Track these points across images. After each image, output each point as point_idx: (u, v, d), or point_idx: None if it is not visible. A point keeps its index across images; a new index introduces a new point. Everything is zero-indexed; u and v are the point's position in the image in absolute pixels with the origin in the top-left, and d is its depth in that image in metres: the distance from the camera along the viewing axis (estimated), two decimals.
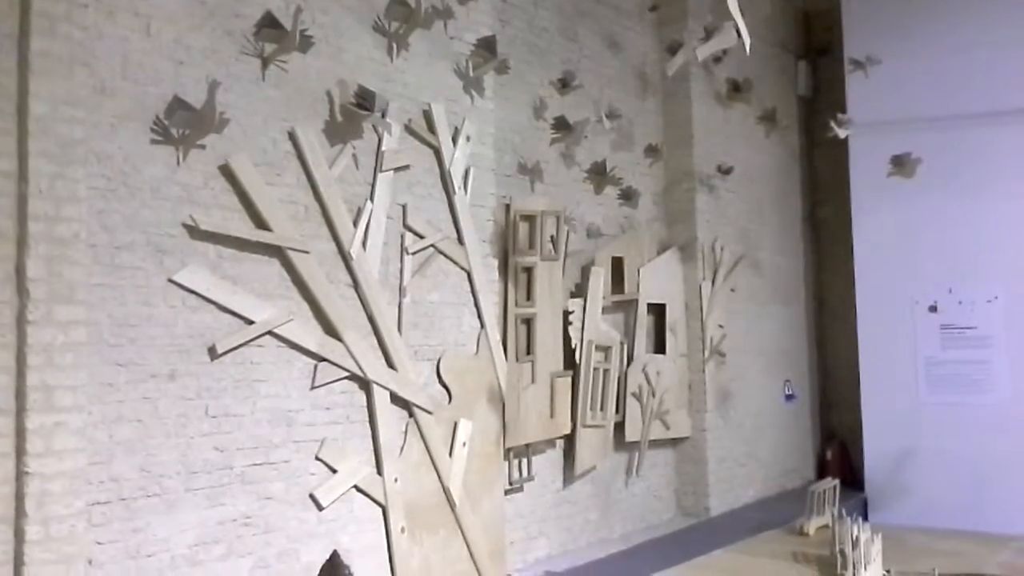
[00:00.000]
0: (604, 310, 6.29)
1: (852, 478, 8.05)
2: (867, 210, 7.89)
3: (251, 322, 3.96)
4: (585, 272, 6.22)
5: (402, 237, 4.67)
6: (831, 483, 6.30)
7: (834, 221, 8.53)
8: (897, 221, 7.74)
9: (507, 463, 5.36)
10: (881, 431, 7.67)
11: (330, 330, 4.25)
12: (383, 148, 4.56)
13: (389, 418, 4.47)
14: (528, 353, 5.54)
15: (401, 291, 4.61)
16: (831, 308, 8.78)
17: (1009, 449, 7.12)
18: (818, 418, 8.74)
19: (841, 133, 6.20)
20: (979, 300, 7.38)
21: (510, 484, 5.39)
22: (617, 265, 6.54)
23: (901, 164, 6.39)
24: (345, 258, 4.36)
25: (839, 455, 8.37)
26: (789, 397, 8.23)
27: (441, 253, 4.86)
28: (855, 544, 4.34)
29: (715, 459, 7.10)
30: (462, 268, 4.98)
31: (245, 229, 3.97)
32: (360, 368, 4.33)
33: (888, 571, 4.83)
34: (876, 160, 7.47)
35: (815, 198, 8.96)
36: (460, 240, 4.98)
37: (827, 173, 8.73)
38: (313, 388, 4.18)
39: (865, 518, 7.35)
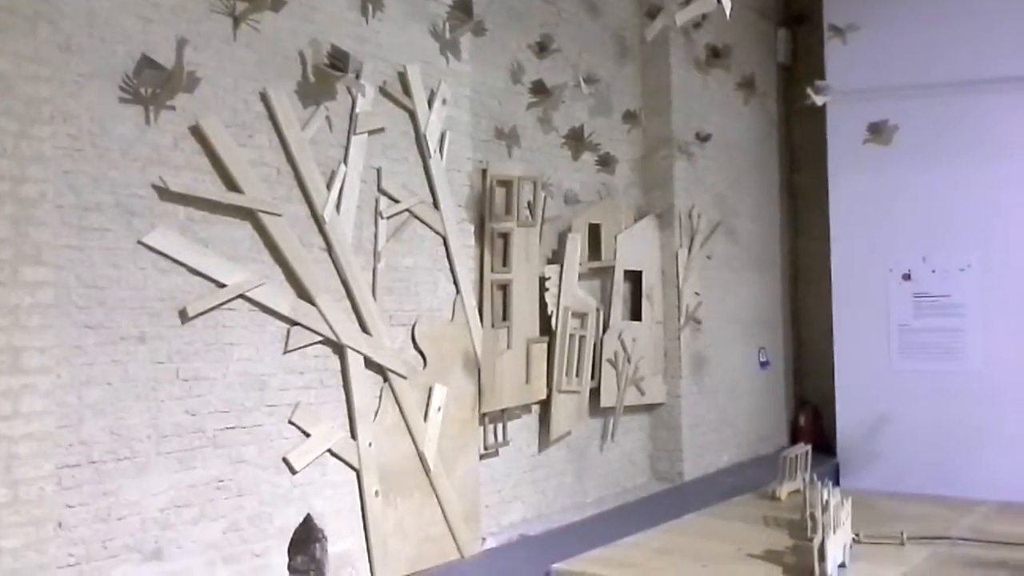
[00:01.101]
0: (581, 277, 6.29)
1: (824, 444, 8.15)
2: (844, 178, 7.91)
3: (222, 285, 3.92)
4: (562, 238, 6.20)
5: (376, 201, 4.62)
6: (803, 448, 6.38)
7: (811, 189, 8.55)
8: (873, 189, 7.78)
9: (482, 428, 5.37)
10: (853, 398, 7.76)
11: (303, 294, 4.21)
12: (357, 110, 4.50)
13: (363, 383, 4.46)
14: (504, 319, 5.53)
15: (375, 256, 4.58)
16: (807, 276, 8.82)
17: (979, 416, 7.23)
18: (792, 385, 8.82)
19: (818, 100, 6.19)
20: (952, 269, 7.44)
21: (485, 449, 5.40)
22: (594, 232, 6.53)
23: (878, 131, 6.40)
24: (318, 222, 4.31)
25: (812, 421, 8.46)
26: (763, 364, 8.29)
27: (416, 218, 4.82)
28: (825, 508, 4.39)
29: (689, 425, 7.16)
30: (438, 233, 4.95)
31: (216, 191, 3.92)
32: (334, 333, 4.31)
33: (857, 534, 4.90)
34: (854, 127, 7.47)
35: (793, 166, 8.98)
36: (436, 205, 4.94)
37: (805, 141, 8.73)
38: (286, 352, 4.16)
39: (836, 483, 7.47)
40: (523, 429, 5.85)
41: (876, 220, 7.75)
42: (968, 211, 7.37)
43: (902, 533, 4.95)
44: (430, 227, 4.90)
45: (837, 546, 4.38)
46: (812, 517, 4.82)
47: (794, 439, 8.30)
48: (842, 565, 4.44)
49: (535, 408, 5.94)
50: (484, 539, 5.16)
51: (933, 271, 7.50)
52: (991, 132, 7.31)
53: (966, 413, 7.28)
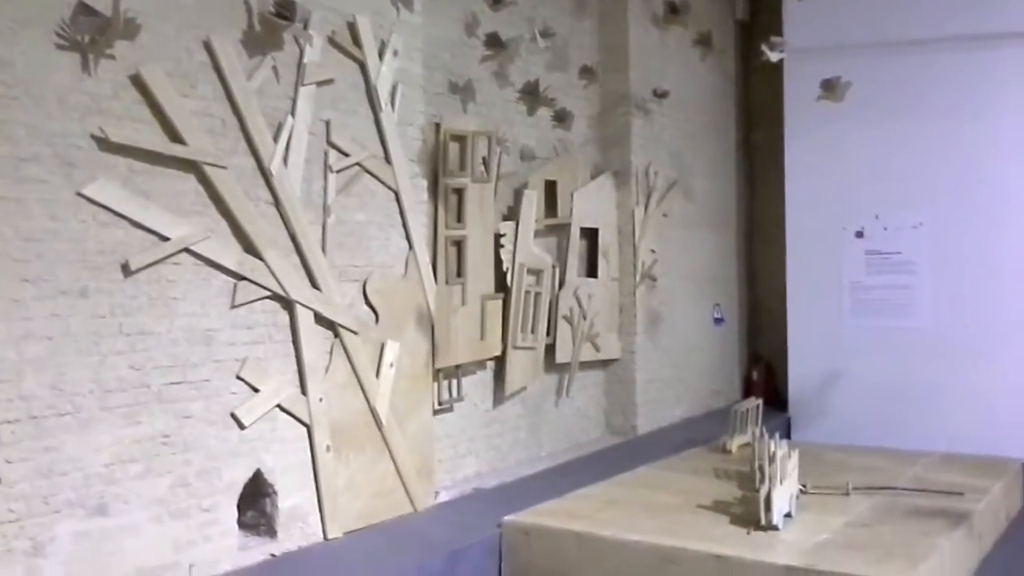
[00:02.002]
0: (536, 234, 6.28)
1: (777, 399, 8.28)
2: (800, 136, 7.96)
3: (166, 239, 3.84)
4: (518, 195, 6.18)
5: (326, 154, 4.55)
6: (754, 403, 6.47)
7: (768, 147, 8.58)
8: (829, 147, 7.83)
9: (436, 384, 5.37)
10: (805, 354, 7.88)
11: (250, 248, 4.15)
12: (305, 61, 4.41)
13: (313, 338, 4.43)
14: (458, 275, 5.51)
15: (325, 210, 4.52)
16: (763, 233, 8.90)
17: (928, 372, 7.38)
18: (746, 341, 8.94)
19: (773, 56, 6.17)
20: (905, 226, 7.54)
21: (439, 404, 5.41)
22: (550, 189, 6.51)
23: (830, 88, 6.41)
24: (265, 175, 4.24)
25: (765, 377, 8.59)
26: (718, 321, 8.38)
27: (367, 172, 4.76)
28: (772, 460, 4.47)
29: (643, 380, 7.23)
30: (389, 188, 4.90)
31: (158, 142, 3.83)
32: (282, 287, 4.26)
33: (804, 486, 5.00)
34: (810, 85, 7.45)
35: (750, 123, 9.00)
36: (387, 159, 4.88)
37: (763, 99, 8.75)
38: (233, 307, 4.10)
39: (788, 437, 7.62)
40: (478, 385, 5.86)
41: (831, 178, 7.82)
42: (921, 169, 7.46)
43: (847, 484, 5.06)
44: (382, 182, 4.85)
45: (783, 496, 4.46)
46: (760, 469, 4.90)
47: (747, 394, 8.41)
48: (788, 515, 4.52)
49: (490, 364, 5.96)
50: (437, 493, 5.19)
51: (885, 229, 7.60)
52: (944, 90, 7.37)
53: (915, 368, 7.43)
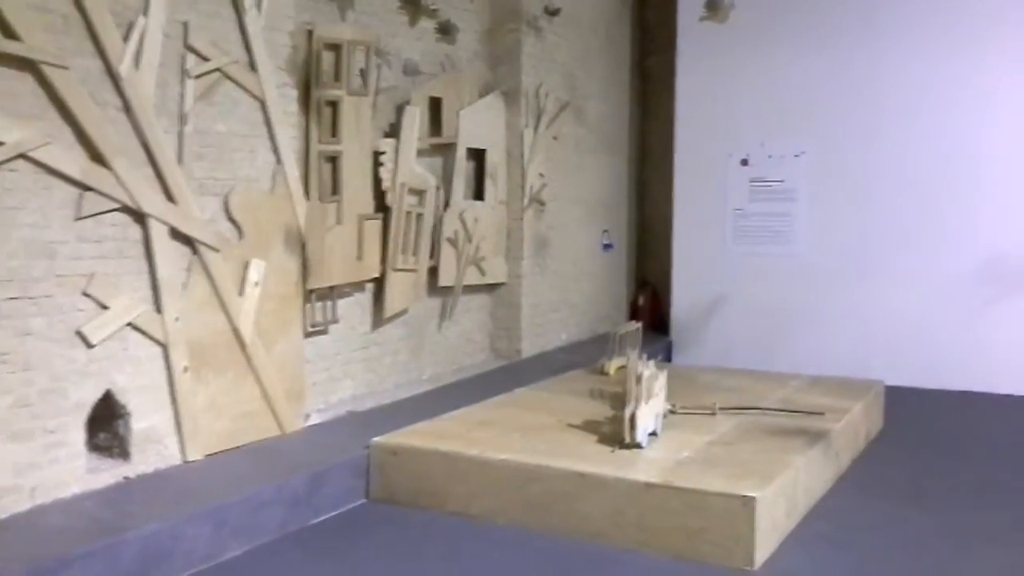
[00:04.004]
0: (420, 153, 6.12)
1: (662, 324, 8.43)
2: (692, 61, 7.94)
3: (1, 143, 3.56)
4: (400, 111, 5.98)
5: (183, 59, 4.28)
6: (634, 326, 6.54)
7: (662, 71, 8.55)
8: (719, 73, 7.85)
9: (309, 305, 5.23)
10: (689, 279, 8.02)
11: (97, 157, 3.89)
12: None
13: (169, 254, 4.21)
14: (333, 193, 5.32)
15: (181, 118, 4.27)
16: (653, 160, 8.92)
17: (803, 297, 7.60)
18: (634, 266, 9.03)
19: None
20: (788, 155, 7.66)
21: (312, 326, 5.28)
22: (435, 106, 6.33)
23: (714, 8, 6.37)
24: (114, 78, 3.96)
25: (651, 302, 8.72)
26: (607, 246, 8.41)
27: (229, 79, 4.50)
28: (638, 380, 4.52)
29: (529, 304, 7.23)
30: (255, 97, 4.66)
31: None
32: (133, 199, 4.02)
33: (673, 406, 5.09)
34: (702, 10, 7.47)
35: (644, 47, 8.93)
36: (252, 66, 4.63)
37: (657, 21, 8.69)
38: (78, 219, 3.86)
39: (669, 360, 7.78)
40: (355, 307, 5.74)
41: (720, 105, 7.85)
42: (805, 98, 7.55)
43: (715, 404, 5.17)
44: (246, 90, 4.60)
45: (649, 416, 4.53)
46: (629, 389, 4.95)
47: (634, 319, 8.53)
48: (653, 434, 4.60)
49: (368, 286, 5.83)
50: (308, 415, 5.09)
51: (770, 157, 7.71)
52: (830, 21, 7.44)
53: (792, 294, 7.64)
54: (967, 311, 7.07)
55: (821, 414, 5.16)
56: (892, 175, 7.31)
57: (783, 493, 4.04)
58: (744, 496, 3.73)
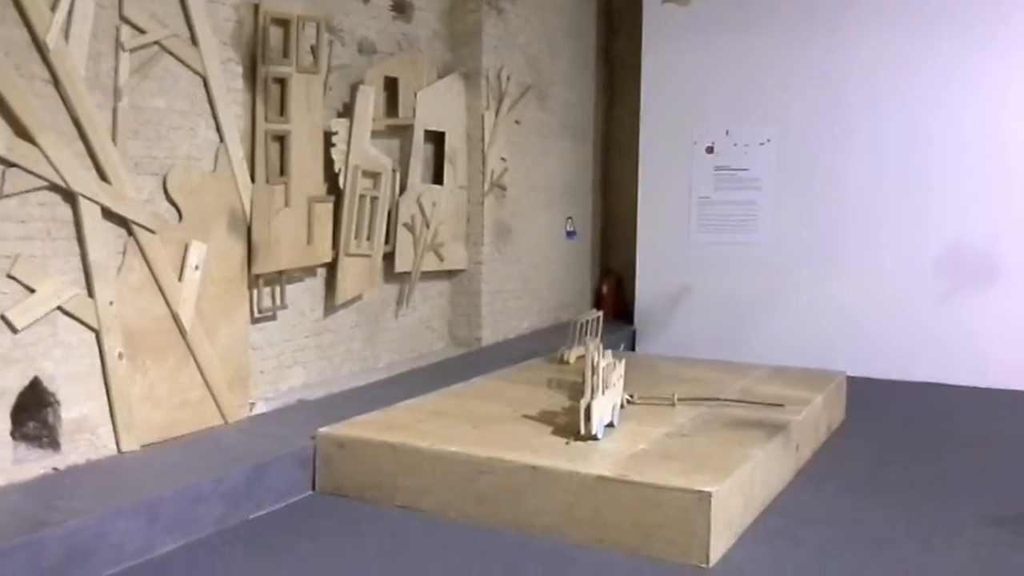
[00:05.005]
0: (375, 134, 5.92)
1: (626, 312, 8.31)
2: (658, 46, 7.81)
3: None
4: (354, 91, 5.78)
5: (117, 30, 4.06)
6: (595, 314, 6.40)
7: (628, 56, 8.41)
8: (685, 59, 7.72)
9: (256, 291, 5.04)
10: (653, 268, 7.90)
11: (21, 132, 3.67)
12: None
13: (101, 236, 4.00)
14: (281, 174, 5.12)
15: (116, 93, 4.06)
16: (619, 146, 8.79)
17: (767, 286, 7.51)
18: (598, 255, 8.90)
19: None
20: (753, 143, 7.55)
21: (259, 312, 5.09)
22: (391, 86, 6.14)
23: None
24: (41, 49, 3.74)
25: (614, 290, 8.60)
26: (570, 234, 8.28)
27: (168, 52, 4.29)
28: (595, 370, 4.38)
29: (490, 292, 7.08)
30: (196, 72, 4.45)
31: None
32: (62, 178, 3.81)
33: (631, 396, 4.97)
34: None
35: (610, 31, 8.78)
36: (194, 40, 4.42)
37: (624, 5, 8.53)
38: (1, 198, 3.64)
39: (633, 349, 7.67)
40: (306, 293, 5.55)
41: (685, 91, 7.73)
42: (771, 85, 7.45)
43: (673, 395, 5.05)
44: (187, 65, 4.39)
45: (605, 407, 4.40)
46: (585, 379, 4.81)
47: (598, 308, 8.41)
48: (610, 424, 4.47)
49: (320, 271, 5.64)
50: (253, 404, 4.91)
51: (735, 145, 7.59)
52: (796, 7, 7.32)
53: (755, 284, 7.54)
54: (931, 302, 7.01)
55: (781, 406, 5.06)
56: (857, 164, 7.23)
57: (740, 488, 3.93)
58: (700, 491, 3.60)
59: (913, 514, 4.20)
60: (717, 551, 3.65)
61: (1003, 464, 5.03)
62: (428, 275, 6.64)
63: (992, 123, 6.79)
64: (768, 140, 7.47)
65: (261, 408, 4.95)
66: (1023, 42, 6.70)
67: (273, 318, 5.25)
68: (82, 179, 3.89)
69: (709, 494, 3.58)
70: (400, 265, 6.28)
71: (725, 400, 5.15)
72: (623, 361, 4.84)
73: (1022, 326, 6.75)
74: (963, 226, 6.89)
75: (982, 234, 6.84)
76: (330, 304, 5.72)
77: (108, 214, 4.02)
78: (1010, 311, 6.78)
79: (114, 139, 4.03)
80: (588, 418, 4.26)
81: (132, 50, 4.11)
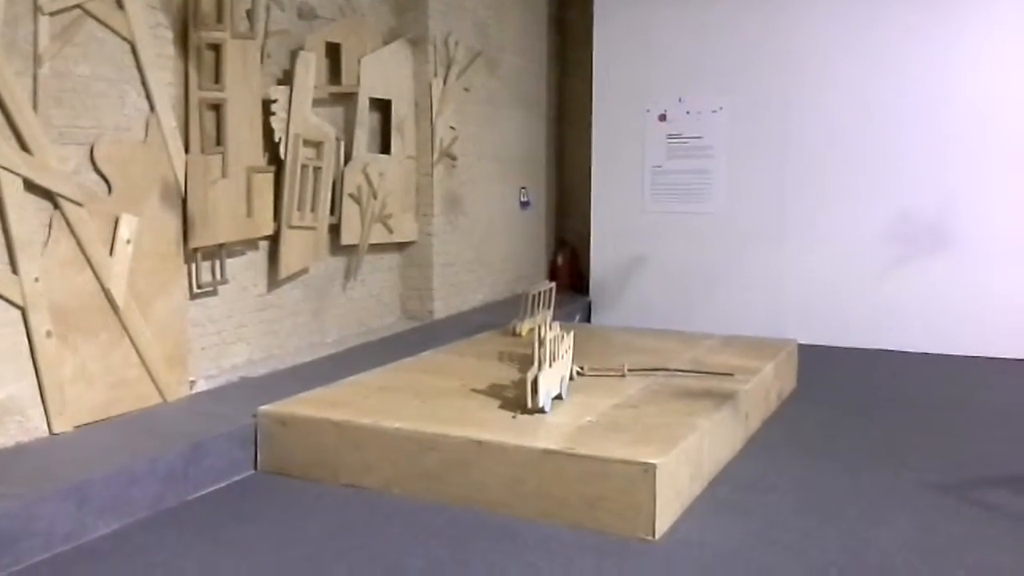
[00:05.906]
0: (317, 102, 5.76)
1: (581, 284, 8.25)
2: (610, 14, 7.69)
3: None
4: (294, 57, 5.60)
5: None
6: (547, 286, 6.33)
7: (580, 25, 8.29)
8: (638, 27, 7.62)
9: (194, 265, 4.88)
10: (608, 239, 7.84)
11: None
12: None
13: (24, 210, 3.83)
14: (217, 144, 4.95)
15: (36, 59, 3.86)
16: (572, 116, 8.68)
17: (720, 256, 7.49)
18: (552, 225, 8.81)
19: None
20: (705, 111, 7.48)
21: (199, 287, 4.94)
22: (334, 53, 5.97)
23: None
24: None
25: (569, 262, 8.54)
26: (524, 204, 8.18)
27: (92, 17, 4.10)
28: (542, 343, 4.31)
29: (441, 264, 6.97)
30: (124, 38, 4.26)
31: None
32: None
33: (581, 368, 4.91)
34: None
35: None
36: (119, 4, 4.22)
37: None
38: None
39: (588, 320, 7.62)
40: (248, 267, 5.41)
41: (637, 59, 7.63)
42: (722, 52, 7.38)
43: (623, 366, 5.00)
44: (112, 30, 4.20)
45: (553, 379, 4.34)
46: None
47: (553, 279, 8.35)
48: (558, 397, 4.41)
49: (263, 245, 5.49)
50: (193, 382, 4.77)
51: (688, 112, 7.52)
52: None
53: (709, 253, 7.52)
54: (881, 270, 7.04)
55: (731, 375, 5.03)
56: (809, 133, 7.21)
57: (687, 458, 3.89)
58: (644, 463, 3.55)
59: (862, 483, 4.20)
60: (664, 523, 3.61)
61: (951, 430, 5.06)
62: (378, 248, 6.52)
63: (941, 91, 6.80)
64: (720, 108, 7.41)
65: (202, 386, 4.82)
66: (970, 11, 6.68)
67: (214, 293, 5.10)
68: (1, 151, 3.70)
69: (654, 466, 3.53)
70: (347, 238, 6.14)
71: (675, 370, 5.11)
72: (571, 333, 4.77)
73: (971, 292, 6.80)
74: (913, 194, 6.91)
75: (932, 202, 6.86)
76: (274, 278, 5.58)
77: (31, 186, 3.84)
78: (959, 278, 6.83)
79: (35, 107, 3.84)
80: (535, 391, 4.20)
81: (52, 14, 3.91)
